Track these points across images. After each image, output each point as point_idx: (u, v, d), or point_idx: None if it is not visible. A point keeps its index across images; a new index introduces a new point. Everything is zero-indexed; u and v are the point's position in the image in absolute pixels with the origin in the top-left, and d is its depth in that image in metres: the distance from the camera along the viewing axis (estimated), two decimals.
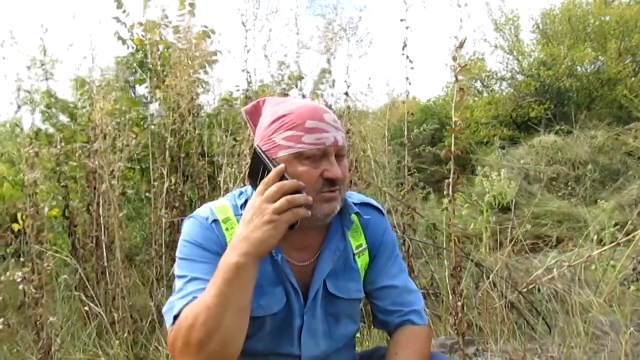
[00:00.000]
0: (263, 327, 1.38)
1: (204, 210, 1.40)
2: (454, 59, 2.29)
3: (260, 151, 1.29)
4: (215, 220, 1.36)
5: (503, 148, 8.01)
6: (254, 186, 1.28)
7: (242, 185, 3.29)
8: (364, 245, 1.51)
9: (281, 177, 1.20)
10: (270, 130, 1.31)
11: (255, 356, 1.39)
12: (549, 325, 2.84)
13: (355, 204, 1.48)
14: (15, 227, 4.23)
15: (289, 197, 1.15)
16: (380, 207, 1.59)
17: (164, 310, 1.29)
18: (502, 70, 15.77)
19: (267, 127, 1.33)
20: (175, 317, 1.20)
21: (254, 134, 1.43)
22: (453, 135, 2.31)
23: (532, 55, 15.36)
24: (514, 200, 3.68)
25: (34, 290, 2.70)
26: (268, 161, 1.26)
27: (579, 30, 15.12)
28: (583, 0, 15.55)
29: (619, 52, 13.85)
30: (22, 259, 3.16)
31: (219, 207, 1.41)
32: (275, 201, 1.15)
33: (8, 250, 4.54)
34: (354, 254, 1.49)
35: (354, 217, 1.49)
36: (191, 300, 1.21)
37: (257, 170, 1.27)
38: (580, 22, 15.18)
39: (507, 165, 6.65)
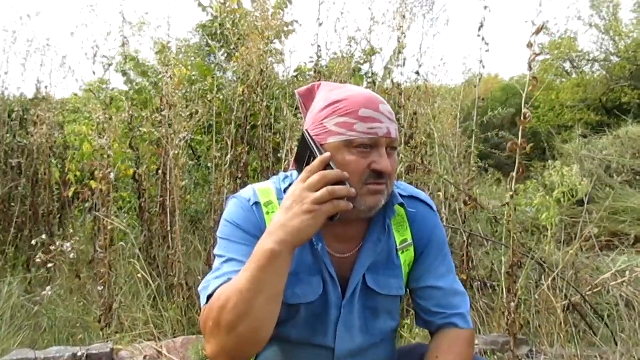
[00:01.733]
0: (298, 314, 1.37)
1: (247, 192, 1.40)
2: (529, 45, 2.14)
3: (309, 136, 1.25)
4: (257, 203, 1.35)
5: (585, 137, 7.53)
6: (299, 171, 1.25)
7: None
8: (409, 241, 1.45)
9: (326, 166, 1.16)
10: (323, 115, 1.28)
11: (288, 343, 1.39)
12: (612, 333, 2.67)
13: (403, 196, 1.43)
14: (93, 184, 4.48)
15: (330, 188, 1.12)
16: (431, 202, 1.51)
17: (199, 287, 1.32)
18: (595, 51, 14.79)
19: (320, 111, 1.29)
20: (210, 297, 1.21)
21: (305, 118, 1.40)
22: (521, 128, 2.18)
23: (631, 36, 14.28)
24: (588, 194, 3.45)
25: (99, 250, 2.84)
26: (315, 147, 1.21)
27: None
28: None
29: None
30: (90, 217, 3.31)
31: (263, 189, 1.39)
32: (317, 191, 1.12)
33: (86, 206, 4.82)
34: (397, 249, 1.43)
35: (399, 209, 1.43)
36: (226, 281, 1.21)
37: (304, 155, 1.24)
38: None
39: (587, 155, 6.26)
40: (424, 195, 1.52)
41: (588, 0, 14.43)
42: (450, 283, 1.47)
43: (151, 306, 3.10)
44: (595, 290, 2.89)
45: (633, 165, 5.99)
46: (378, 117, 1.25)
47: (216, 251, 1.34)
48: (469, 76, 4.63)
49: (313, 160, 1.18)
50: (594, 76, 14.71)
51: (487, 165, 5.64)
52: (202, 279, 1.31)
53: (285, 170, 1.91)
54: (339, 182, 1.14)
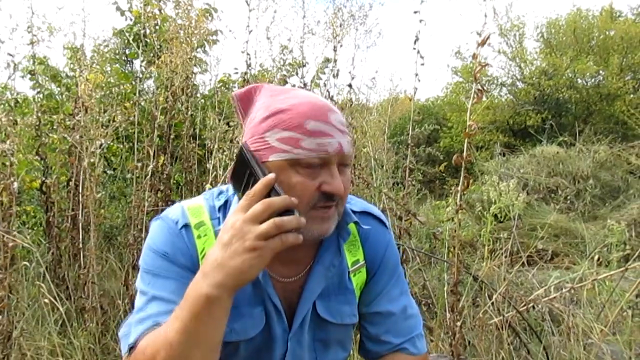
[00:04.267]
0: (236, 353, 1.18)
1: (174, 211, 1.18)
2: (475, 56, 2.10)
3: (247, 152, 1.05)
4: (186, 225, 1.15)
5: (503, 155, 7.87)
6: (236, 190, 1.08)
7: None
8: (362, 262, 1.30)
9: (270, 189, 0.98)
10: (264, 128, 1.08)
11: None
12: (547, 351, 2.68)
13: (354, 212, 1.26)
14: None
15: (278, 219, 0.93)
16: (383, 218, 1.37)
17: (120, 333, 1.11)
18: (503, 76, 15.68)
19: (260, 122, 1.09)
20: (133, 347, 1.01)
21: (244, 124, 1.19)
22: (466, 140, 2.13)
23: (534, 63, 15.31)
24: (517, 212, 3.51)
25: None
26: (256, 166, 1.03)
27: (583, 43, 15.09)
28: (589, 13, 15.53)
29: (620, 68, 13.85)
30: None
31: (193, 207, 1.19)
32: (262, 222, 0.93)
33: None
34: (349, 272, 1.27)
35: (352, 227, 1.27)
36: (152, 325, 1.02)
37: (242, 173, 1.04)
38: (585, 34, 15.16)
39: (506, 173, 6.51)
40: (376, 210, 1.37)
41: (496, 28, 15.28)
42: (404, 305, 1.33)
43: (58, 333, 2.76)
44: (528, 306, 2.91)
45: (548, 183, 6.29)
46: (328, 130, 1.07)
47: (138, 285, 1.12)
48: (395, 93, 4.67)
49: (253, 181, 1.00)
50: (502, 100, 15.53)
51: (414, 181, 5.71)
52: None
53: (213, 185, 1.70)
54: (286, 210, 0.97)
